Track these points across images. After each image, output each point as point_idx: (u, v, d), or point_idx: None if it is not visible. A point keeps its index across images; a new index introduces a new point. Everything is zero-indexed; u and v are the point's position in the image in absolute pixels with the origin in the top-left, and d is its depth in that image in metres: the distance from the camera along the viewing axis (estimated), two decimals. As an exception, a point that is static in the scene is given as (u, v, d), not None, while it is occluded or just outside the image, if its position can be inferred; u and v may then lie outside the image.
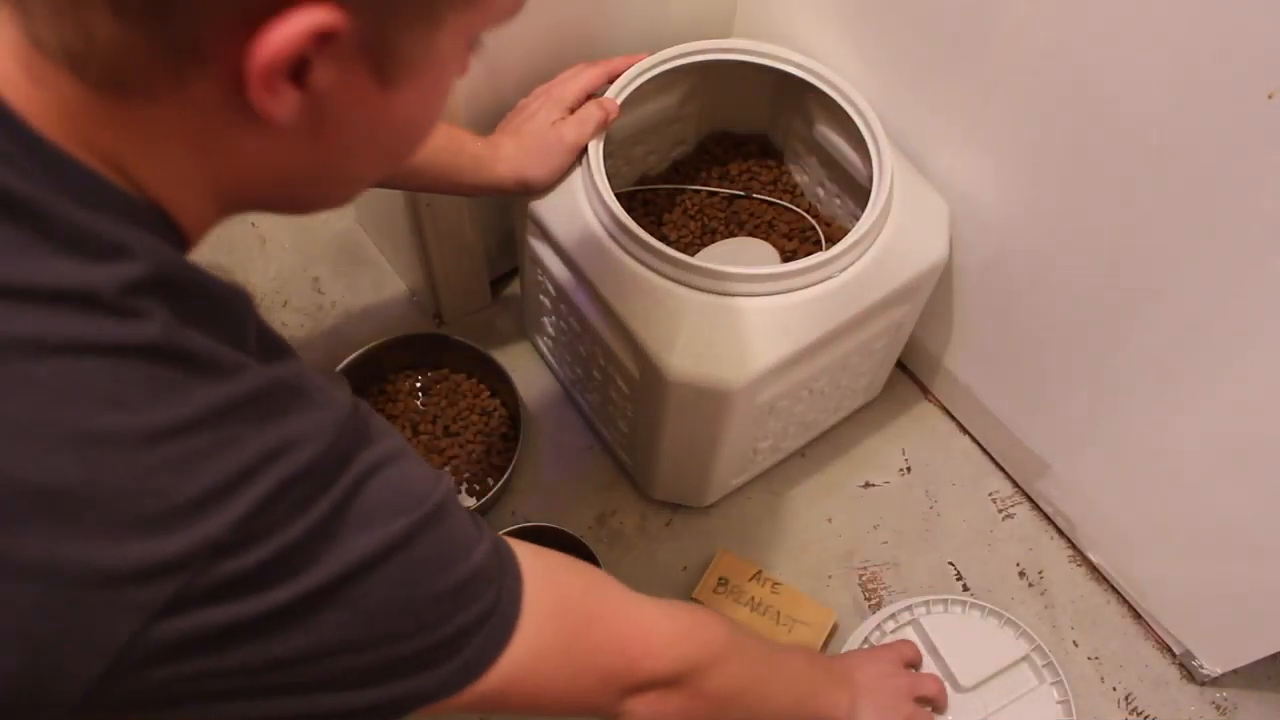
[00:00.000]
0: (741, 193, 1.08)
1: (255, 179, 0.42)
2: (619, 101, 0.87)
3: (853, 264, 0.83)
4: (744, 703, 0.68)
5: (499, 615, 0.50)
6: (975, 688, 0.93)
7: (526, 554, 0.53)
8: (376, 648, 0.44)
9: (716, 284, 0.80)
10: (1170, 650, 1.01)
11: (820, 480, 1.09)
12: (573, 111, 0.86)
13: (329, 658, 0.43)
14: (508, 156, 0.83)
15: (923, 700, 0.89)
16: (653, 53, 0.90)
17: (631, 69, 0.88)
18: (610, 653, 0.57)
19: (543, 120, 0.84)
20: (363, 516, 0.42)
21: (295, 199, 0.46)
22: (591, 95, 0.88)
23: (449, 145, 0.81)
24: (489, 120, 0.90)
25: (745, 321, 0.80)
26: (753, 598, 0.98)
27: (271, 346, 0.45)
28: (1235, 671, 0.96)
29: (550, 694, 0.54)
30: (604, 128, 0.85)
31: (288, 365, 0.44)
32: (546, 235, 0.88)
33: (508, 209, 1.00)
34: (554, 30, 0.90)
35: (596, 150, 0.84)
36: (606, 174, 0.84)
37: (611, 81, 0.88)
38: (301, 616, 0.41)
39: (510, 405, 1.06)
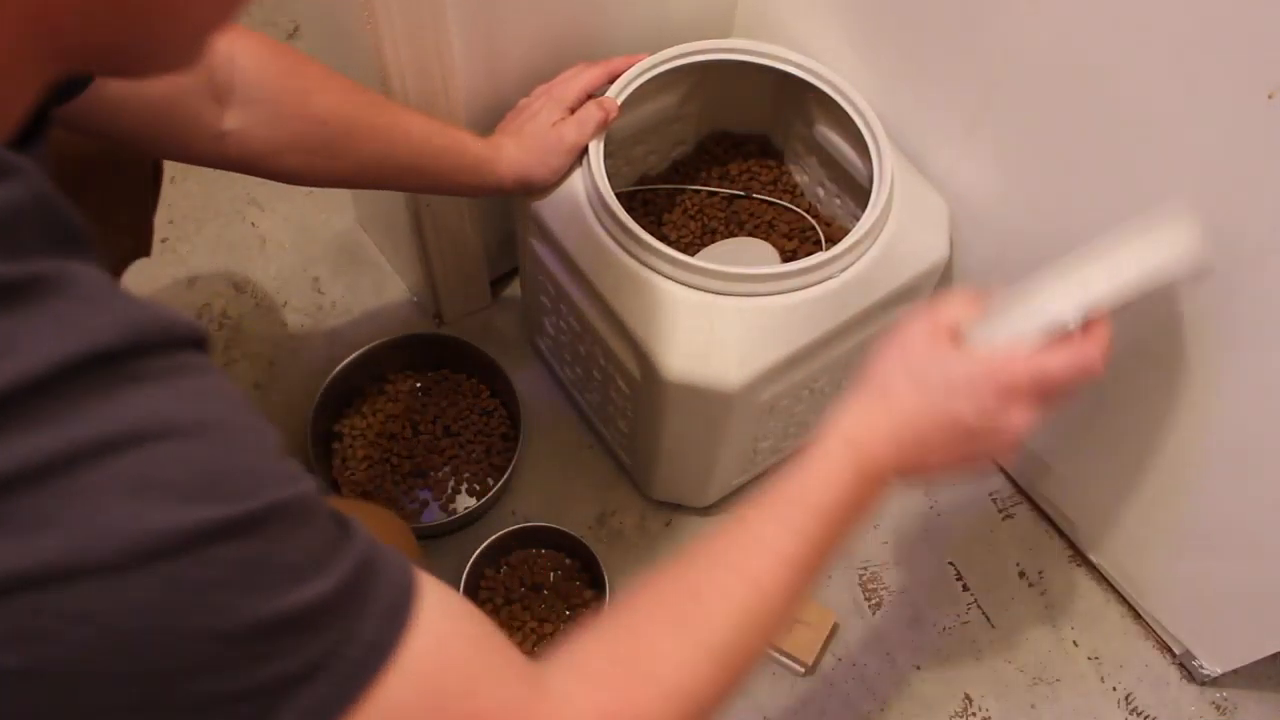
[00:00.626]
0: (741, 193, 1.08)
1: (60, 19, 0.32)
2: (619, 101, 0.87)
3: (853, 264, 0.82)
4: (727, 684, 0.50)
5: (335, 670, 0.36)
6: None
7: (431, 593, 0.40)
8: (116, 689, 0.31)
9: (717, 284, 0.80)
10: (1170, 650, 1.01)
11: (820, 480, 1.09)
12: (573, 112, 0.86)
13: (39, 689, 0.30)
14: (509, 157, 0.83)
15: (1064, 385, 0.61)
16: (653, 53, 0.90)
17: (631, 69, 0.88)
18: None
19: (543, 120, 0.84)
20: (127, 484, 0.30)
21: (121, 48, 0.36)
22: (592, 95, 0.88)
23: (450, 146, 0.81)
24: (489, 119, 0.90)
25: (746, 321, 0.80)
26: None
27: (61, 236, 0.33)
28: (1235, 671, 0.96)
29: None
30: (604, 128, 0.85)
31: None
32: (547, 235, 0.88)
33: (508, 209, 1.00)
34: (554, 30, 0.90)
35: (597, 150, 0.84)
36: (606, 174, 0.84)
37: (612, 81, 0.88)
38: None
39: (510, 405, 1.06)
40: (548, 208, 0.86)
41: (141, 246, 0.80)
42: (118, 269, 0.76)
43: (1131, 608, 1.03)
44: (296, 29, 1.38)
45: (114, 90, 0.60)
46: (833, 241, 0.93)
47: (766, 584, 0.52)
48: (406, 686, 0.38)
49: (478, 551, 0.96)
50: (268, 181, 1.25)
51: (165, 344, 0.33)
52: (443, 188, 0.85)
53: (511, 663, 0.43)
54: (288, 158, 0.72)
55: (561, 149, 0.84)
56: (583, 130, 0.84)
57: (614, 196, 0.82)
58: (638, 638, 0.48)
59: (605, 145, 0.86)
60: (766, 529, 0.54)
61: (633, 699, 0.45)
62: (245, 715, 0.34)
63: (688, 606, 0.50)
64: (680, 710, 0.47)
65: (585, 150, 0.85)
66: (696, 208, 1.07)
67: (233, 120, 0.68)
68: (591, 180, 0.83)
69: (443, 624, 0.40)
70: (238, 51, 0.67)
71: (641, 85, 0.89)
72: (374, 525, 0.67)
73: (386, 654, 0.37)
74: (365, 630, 0.37)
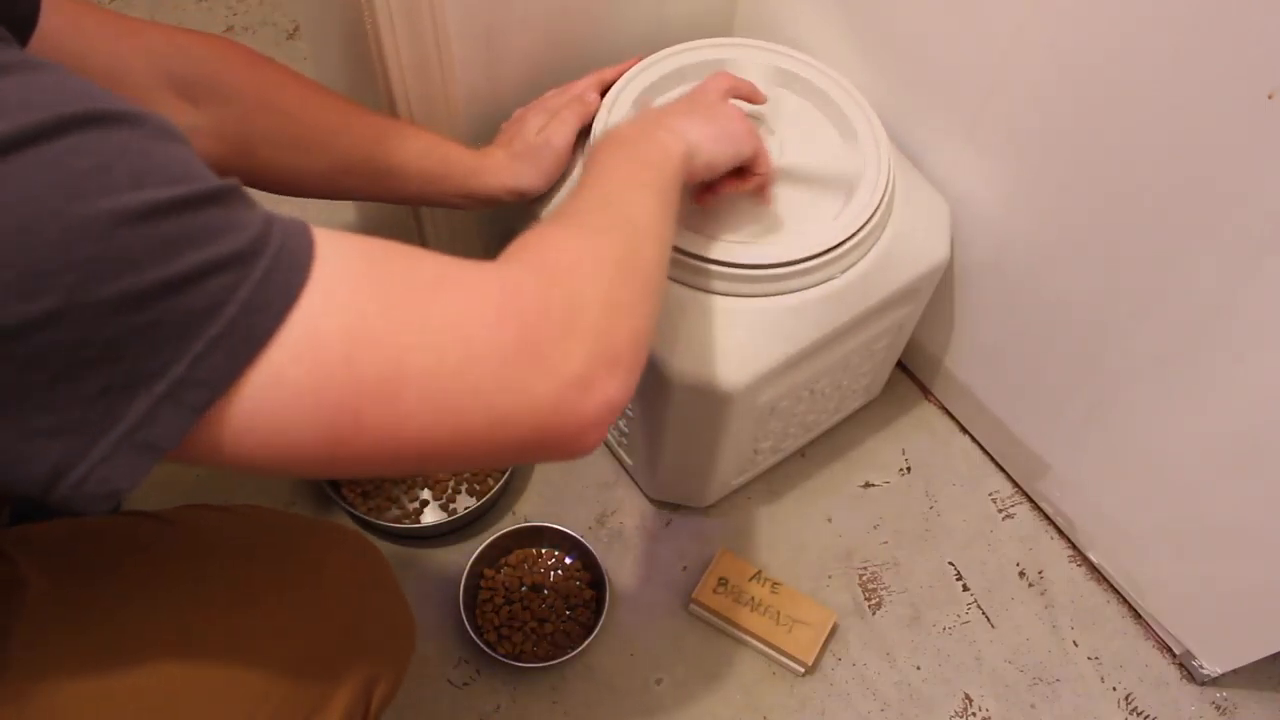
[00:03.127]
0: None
1: None
2: (626, 108, 0.86)
3: (854, 265, 0.82)
4: (644, 284, 0.54)
5: (284, 253, 0.38)
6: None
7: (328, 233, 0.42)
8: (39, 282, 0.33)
9: (718, 285, 0.80)
10: (1170, 650, 1.01)
11: (820, 480, 1.09)
12: None
13: None
14: (498, 166, 0.83)
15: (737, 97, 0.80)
16: (652, 53, 0.90)
17: (631, 70, 0.88)
18: (499, 326, 0.44)
19: (531, 128, 0.84)
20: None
21: None
22: None
23: (441, 157, 0.80)
24: (488, 122, 0.90)
25: (746, 322, 0.80)
26: (753, 598, 0.98)
27: None
28: (1235, 671, 0.96)
29: (436, 388, 0.41)
30: (585, 121, 0.86)
31: None
32: (547, 235, 0.88)
33: (508, 209, 1.00)
34: (554, 31, 0.90)
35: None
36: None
37: (604, 90, 0.88)
38: None
39: (510, 405, 1.06)
40: (549, 207, 0.86)
41: None
42: None
43: (1131, 608, 1.03)
44: (296, 29, 1.38)
45: None
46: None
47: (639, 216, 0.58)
48: (339, 271, 0.40)
49: (478, 551, 0.96)
50: (268, 181, 1.25)
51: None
52: (433, 199, 0.83)
53: (430, 253, 0.45)
54: (259, 154, 0.71)
55: (549, 152, 0.83)
56: (564, 129, 0.84)
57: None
58: (566, 232, 0.53)
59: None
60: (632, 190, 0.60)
61: (577, 254, 0.50)
62: (163, 339, 0.35)
63: (590, 217, 0.56)
64: (615, 264, 0.51)
65: (586, 146, 0.85)
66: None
67: (197, 116, 0.66)
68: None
69: (341, 235, 0.42)
70: (197, 46, 0.67)
71: (642, 86, 0.89)
72: (343, 551, 0.67)
73: (308, 241, 0.40)
74: (277, 227, 0.39)
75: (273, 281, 0.37)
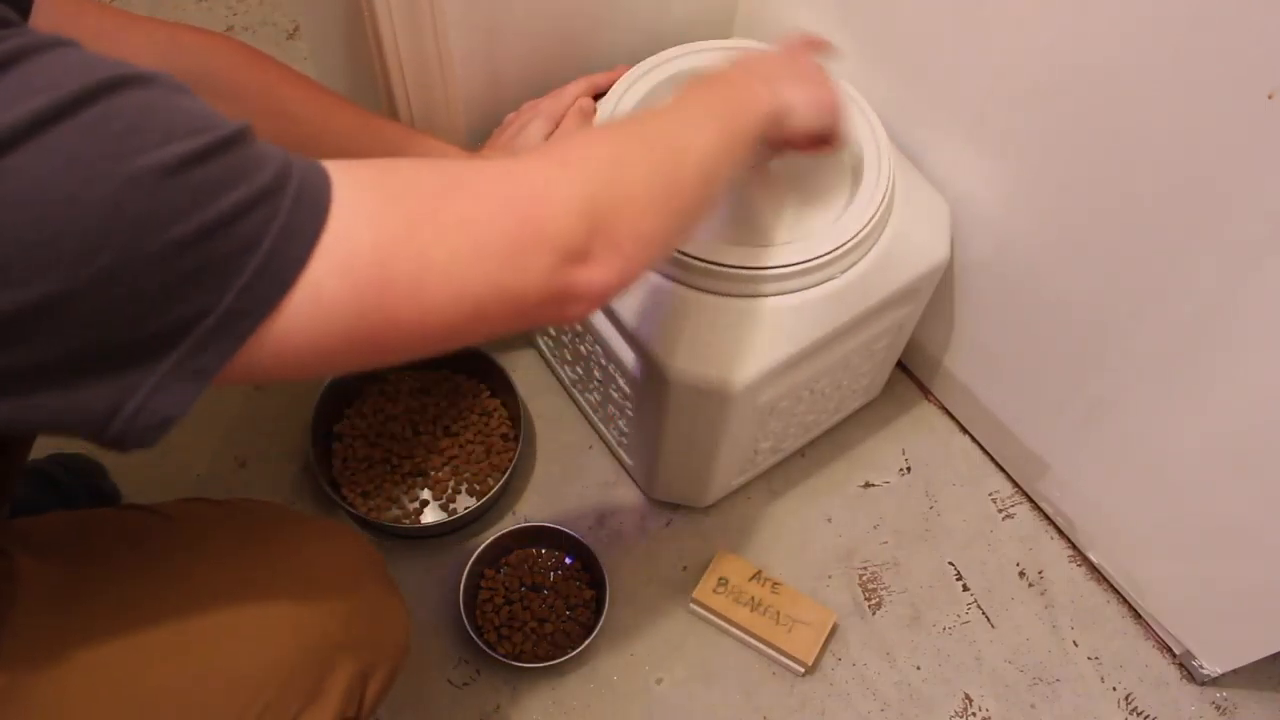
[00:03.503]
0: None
1: None
2: (627, 109, 0.86)
3: (854, 265, 0.83)
4: (670, 196, 0.55)
5: (307, 183, 0.41)
6: None
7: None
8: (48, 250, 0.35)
9: (718, 285, 0.80)
10: (1170, 650, 1.01)
11: (820, 480, 1.09)
12: None
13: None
14: None
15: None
16: (652, 54, 0.90)
17: (630, 73, 0.88)
18: (501, 214, 0.46)
19: (534, 134, 0.84)
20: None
21: None
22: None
23: (430, 154, 0.80)
24: (488, 122, 0.90)
25: (746, 322, 0.80)
26: (753, 598, 0.98)
27: None
28: (1235, 671, 0.96)
29: (449, 276, 0.44)
30: (587, 126, 0.86)
31: None
32: (547, 235, 0.88)
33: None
34: (554, 31, 0.90)
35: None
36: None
37: (597, 94, 0.88)
38: None
39: (510, 405, 1.06)
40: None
41: None
42: None
43: (1131, 608, 1.03)
44: (296, 29, 1.38)
45: None
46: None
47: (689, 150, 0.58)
48: (363, 183, 0.43)
49: (478, 551, 0.96)
50: (268, 181, 1.25)
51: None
52: None
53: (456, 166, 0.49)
54: None
55: None
56: None
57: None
58: (609, 137, 0.56)
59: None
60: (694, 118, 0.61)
61: (615, 158, 0.53)
62: (210, 278, 0.38)
63: (645, 130, 0.58)
64: (652, 176, 0.54)
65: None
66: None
67: None
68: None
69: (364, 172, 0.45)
70: (198, 44, 0.66)
71: (643, 92, 0.89)
72: (336, 544, 0.67)
73: (327, 185, 0.42)
74: (298, 163, 0.42)
75: (302, 208, 0.40)
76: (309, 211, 0.40)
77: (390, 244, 0.43)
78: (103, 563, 0.59)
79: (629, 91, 0.87)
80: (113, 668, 0.55)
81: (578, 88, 0.88)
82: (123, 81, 0.37)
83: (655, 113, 0.59)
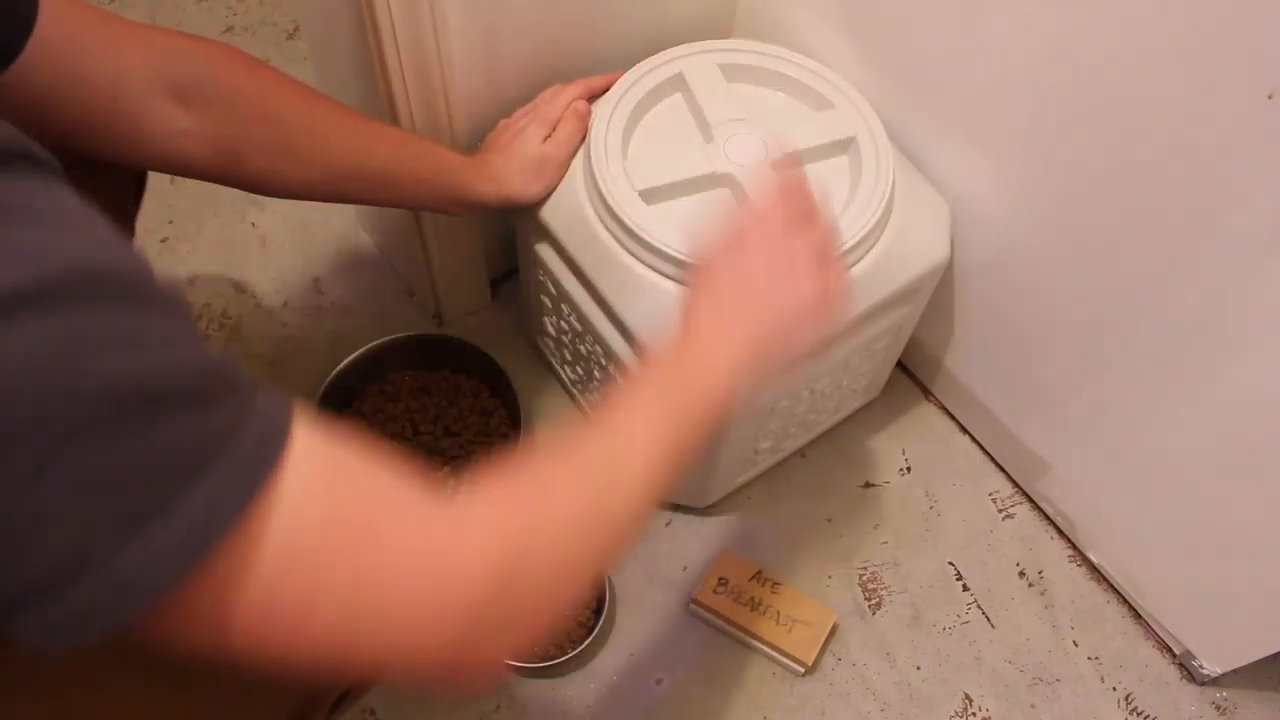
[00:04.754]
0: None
1: None
2: (627, 110, 0.86)
3: (854, 265, 0.82)
4: (599, 541, 0.52)
5: (253, 440, 0.36)
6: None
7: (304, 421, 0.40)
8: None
9: (717, 284, 0.79)
10: (1170, 650, 1.01)
11: (820, 480, 1.09)
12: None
13: None
14: (494, 174, 0.83)
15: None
16: (651, 54, 0.90)
17: (631, 71, 0.88)
18: (412, 576, 0.42)
19: (532, 137, 0.85)
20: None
21: None
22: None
23: (423, 156, 0.80)
24: (488, 122, 0.90)
25: (745, 322, 0.80)
26: (753, 597, 0.98)
27: None
28: (1235, 671, 0.97)
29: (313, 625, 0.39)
30: (583, 131, 0.86)
31: None
32: (548, 236, 0.88)
33: (508, 210, 1.00)
34: (554, 31, 0.90)
35: (602, 150, 0.84)
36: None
37: (592, 97, 0.88)
38: None
39: (510, 405, 1.06)
40: (550, 208, 0.86)
41: None
42: None
43: (1131, 608, 1.03)
44: (296, 29, 1.38)
45: (46, 77, 0.57)
46: (833, 241, 0.92)
47: (642, 454, 0.54)
48: (300, 487, 0.37)
49: (478, 551, 0.96)
50: (268, 181, 1.25)
51: (15, 154, 0.34)
52: (419, 201, 0.83)
53: (408, 477, 0.43)
54: (250, 161, 0.70)
55: (555, 163, 0.85)
56: (570, 143, 0.85)
57: (615, 197, 0.82)
58: (538, 478, 0.50)
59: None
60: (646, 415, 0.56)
61: (535, 515, 0.48)
62: (139, 497, 0.33)
63: (581, 460, 0.53)
64: (578, 532, 0.49)
65: (588, 153, 0.85)
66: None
67: (191, 120, 0.66)
68: (594, 181, 0.83)
69: (322, 439, 0.40)
70: (195, 51, 0.66)
71: (641, 94, 0.89)
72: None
73: (279, 445, 0.37)
74: (252, 424, 0.37)
75: (229, 489, 0.36)
76: (235, 492, 0.36)
77: (297, 559, 0.38)
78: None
79: (629, 92, 0.87)
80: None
81: (574, 90, 0.88)
82: (104, 282, 0.33)
83: (601, 430, 0.55)
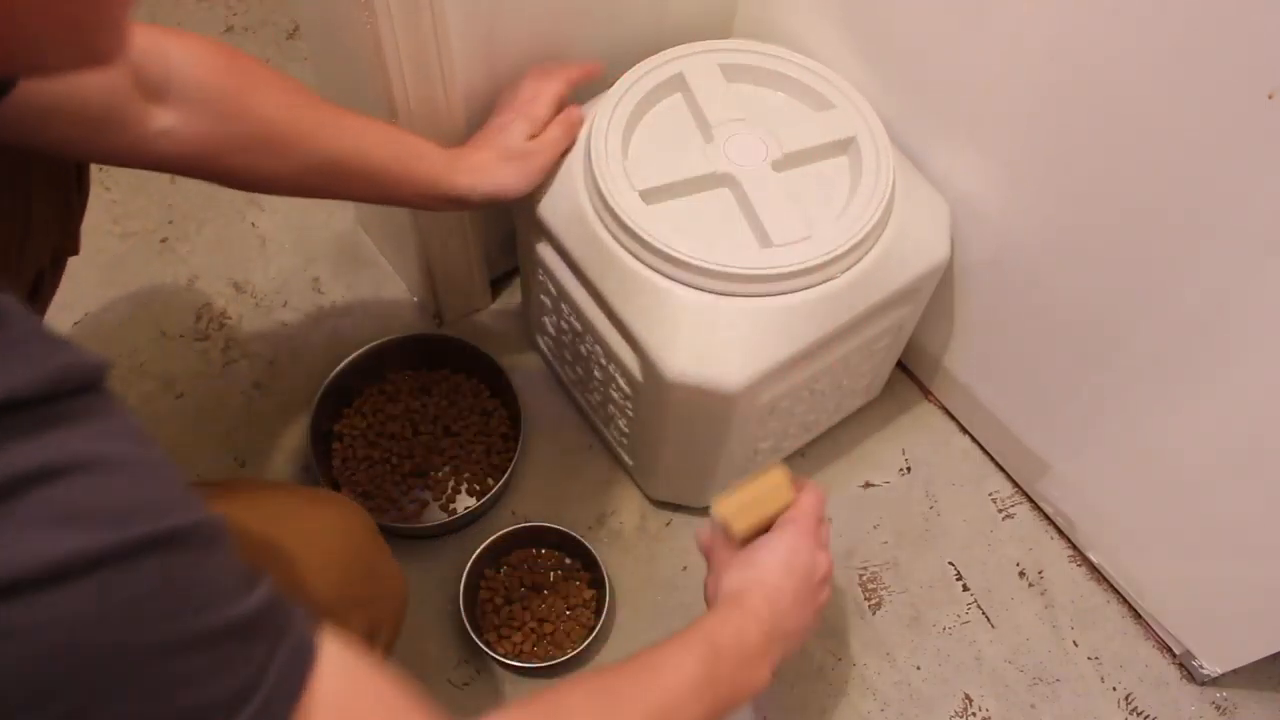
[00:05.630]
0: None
1: None
2: (627, 110, 0.86)
3: (854, 265, 0.82)
4: None
5: (261, 695, 0.37)
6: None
7: (332, 640, 0.42)
8: (41, 708, 0.32)
9: (719, 285, 0.80)
10: (1170, 650, 1.01)
11: (820, 480, 1.09)
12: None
13: None
14: (474, 166, 0.81)
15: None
16: (652, 54, 0.89)
17: (631, 71, 0.88)
18: None
19: (516, 134, 0.83)
20: (45, 514, 0.33)
21: (40, 40, 0.36)
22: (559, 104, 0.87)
23: (405, 151, 0.79)
24: (486, 117, 0.90)
25: (747, 322, 0.80)
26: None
27: None
28: (1235, 671, 0.97)
29: None
30: (573, 138, 0.86)
31: None
32: (548, 235, 0.88)
33: (508, 209, 1.00)
34: (554, 31, 0.90)
35: (601, 151, 0.84)
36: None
37: (572, 88, 0.87)
38: None
39: (510, 405, 1.06)
40: (549, 208, 0.86)
41: (70, 244, 0.76)
42: (48, 268, 0.72)
43: (1131, 608, 1.03)
44: (296, 29, 1.38)
45: (43, 96, 0.57)
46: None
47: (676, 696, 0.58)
48: (326, 703, 0.39)
49: (478, 551, 0.96)
50: (268, 181, 1.25)
51: (76, 389, 0.35)
52: (402, 196, 0.81)
53: (424, 703, 0.45)
54: (230, 158, 0.70)
55: (538, 160, 0.84)
56: (556, 147, 0.84)
57: (615, 197, 0.82)
58: (557, 701, 0.53)
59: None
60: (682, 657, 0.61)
61: None
62: None
63: (609, 691, 0.56)
64: None
65: (589, 153, 0.85)
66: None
67: (168, 118, 0.65)
68: (593, 180, 0.83)
69: (351, 661, 0.42)
70: (172, 47, 0.65)
71: (639, 96, 0.89)
72: (336, 516, 0.68)
73: (304, 678, 0.39)
74: (280, 657, 0.39)
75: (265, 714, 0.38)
76: None
77: None
78: None
79: (629, 92, 0.87)
80: None
81: (555, 87, 0.86)
82: (160, 539, 0.35)
83: (643, 675, 0.58)
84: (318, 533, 0.66)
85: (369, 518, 0.71)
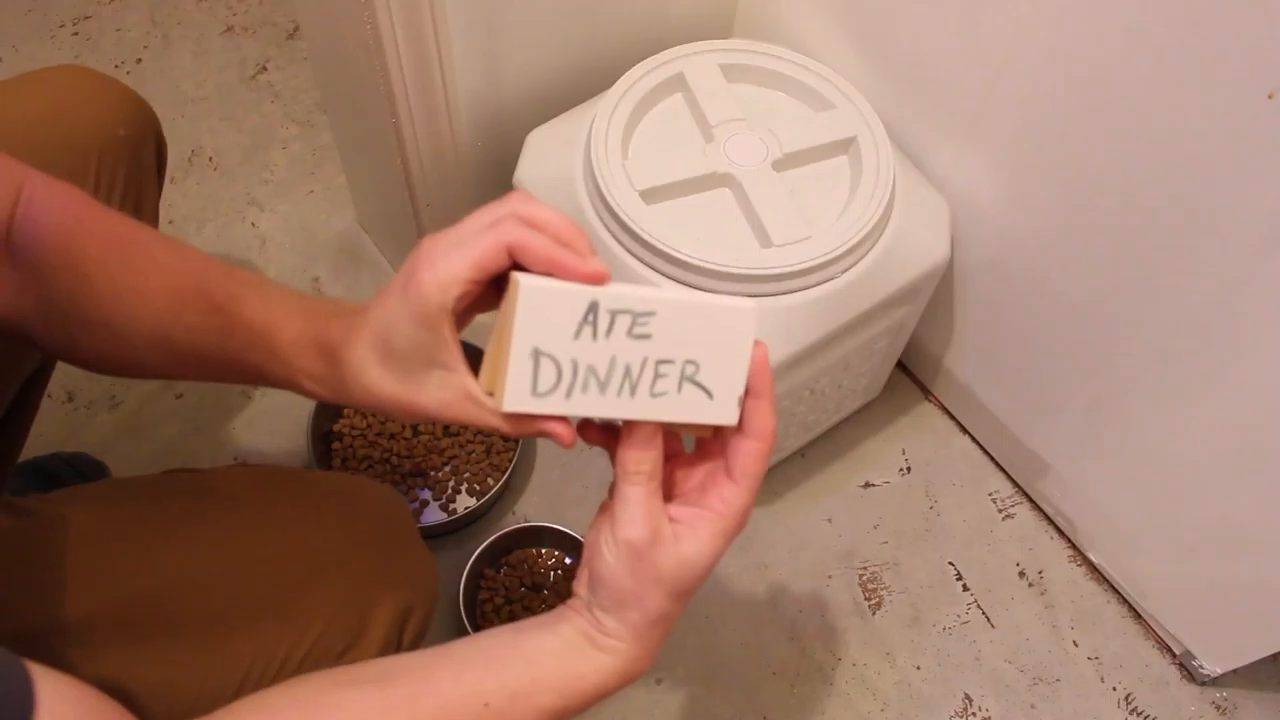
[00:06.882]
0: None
1: None
2: (627, 110, 0.86)
3: (854, 265, 0.83)
4: None
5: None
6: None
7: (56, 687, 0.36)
8: None
9: (718, 285, 0.80)
10: (1170, 650, 1.01)
11: (820, 480, 1.09)
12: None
13: None
14: (348, 370, 0.52)
15: None
16: (654, 53, 0.89)
17: (631, 72, 0.88)
18: None
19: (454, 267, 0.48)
20: None
21: None
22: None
23: (261, 344, 0.52)
24: (488, 122, 0.90)
25: (746, 321, 0.80)
26: None
27: None
28: (1235, 671, 0.97)
29: None
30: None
31: None
32: (547, 235, 0.88)
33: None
34: (554, 31, 0.90)
35: (601, 151, 0.84)
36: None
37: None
38: None
39: (510, 405, 1.06)
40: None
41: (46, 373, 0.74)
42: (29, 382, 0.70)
43: (1131, 608, 1.03)
44: (296, 29, 1.38)
45: None
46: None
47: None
48: None
49: (478, 551, 0.96)
50: (268, 181, 1.25)
51: None
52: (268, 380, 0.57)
53: None
54: (67, 330, 0.54)
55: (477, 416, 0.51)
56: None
57: (614, 197, 0.82)
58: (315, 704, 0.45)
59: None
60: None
61: None
62: None
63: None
64: None
65: (590, 159, 0.85)
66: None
67: (14, 278, 0.52)
68: (594, 180, 0.83)
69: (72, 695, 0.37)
70: (45, 212, 0.52)
71: (637, 98, 0.89)
72: (371, 495, 0.69)
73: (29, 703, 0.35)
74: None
75: None
76: None
77: None
78: (152, 509, 0.62)
79: (629, 92, 0.87)
80: (165, 600, 0.58)
81: (497, 239, 0.46)
82: None
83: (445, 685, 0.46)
84: (359, 514, 0.67)
85: (406, 505, 0.72)
